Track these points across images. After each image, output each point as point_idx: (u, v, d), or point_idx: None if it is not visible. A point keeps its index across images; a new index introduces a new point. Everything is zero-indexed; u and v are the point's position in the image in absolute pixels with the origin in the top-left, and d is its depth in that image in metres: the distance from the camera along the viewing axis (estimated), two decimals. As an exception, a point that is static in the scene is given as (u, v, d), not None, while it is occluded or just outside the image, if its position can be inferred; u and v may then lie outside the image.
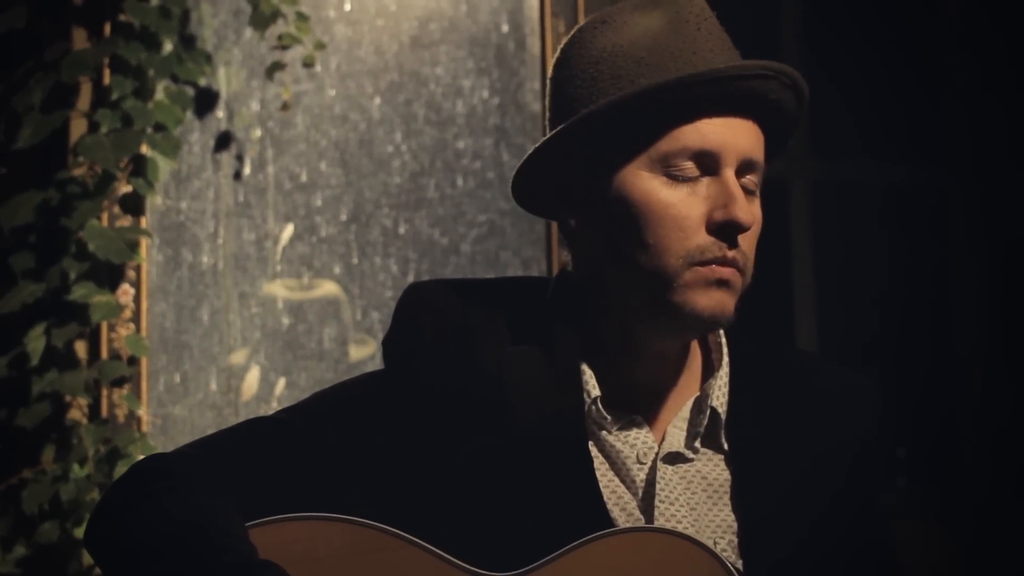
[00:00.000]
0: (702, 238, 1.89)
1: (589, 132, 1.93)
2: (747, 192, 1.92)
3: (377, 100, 4.13)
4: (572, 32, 2.00)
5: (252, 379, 3.92)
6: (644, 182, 1.90)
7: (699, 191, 1.90)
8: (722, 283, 1.90)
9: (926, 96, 5.19)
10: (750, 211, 1.90)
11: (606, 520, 1.94)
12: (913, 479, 5.07)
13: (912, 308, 5.19)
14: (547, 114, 2.02)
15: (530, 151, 1.97)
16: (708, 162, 1.90)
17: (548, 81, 2.01)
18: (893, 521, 2.12)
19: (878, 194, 5.27)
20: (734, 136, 1.90)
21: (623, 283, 1.94)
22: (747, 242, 1.92)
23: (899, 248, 5.27)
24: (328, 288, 4.03)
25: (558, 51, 2.00)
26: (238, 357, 3.94)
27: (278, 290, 4.00)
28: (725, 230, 1.89)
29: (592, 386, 1.97)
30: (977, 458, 4.97)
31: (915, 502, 4.91)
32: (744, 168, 1.91)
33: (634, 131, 1.91)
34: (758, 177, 1.94)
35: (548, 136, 1.95)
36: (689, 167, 1.89)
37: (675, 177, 1.89)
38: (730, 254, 1.89)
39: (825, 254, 5.06)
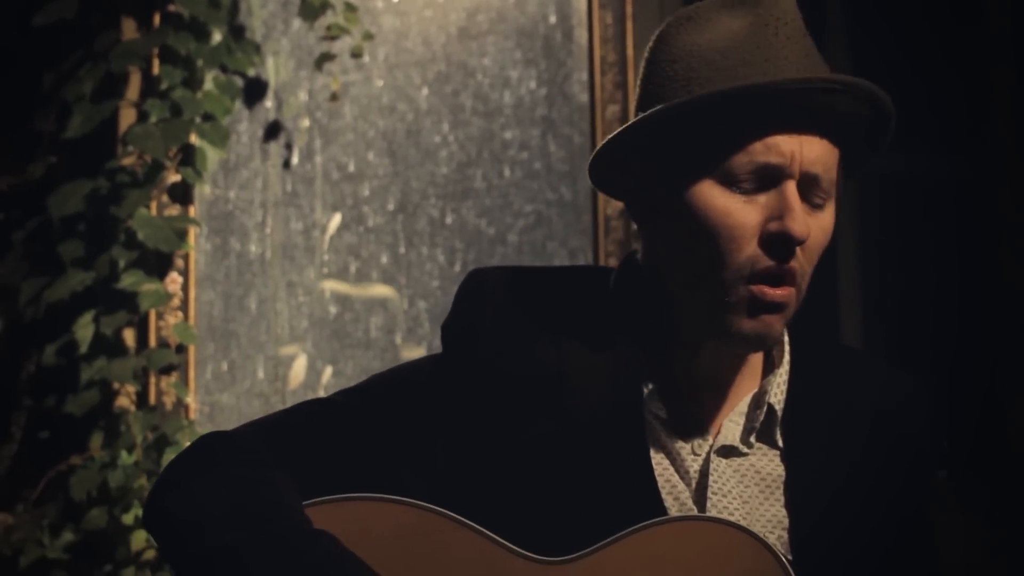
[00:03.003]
0: (754, 249, 1.87)
1: (651, 133, 1.92)
2: (813, 206, 1.90)
3: (425, 91, 4.14)
4: (662, 25, 1.98)
5: (299, 367, 3.93)
6: (704, 189, 1.88)
7: (758, 200, 1.88)
8: (774, 306, 1.89)
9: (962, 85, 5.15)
10: (806, 224, 1.86)
11: (660, 509, 1.93)
12: (954, 471, 5.04)
13: (962, 297, 5.16)
14: (635, 104, 2.00)
15: (602, 143, 1.96)
16: (770, 175, 1.87)
17: (639, 75, 2.00)
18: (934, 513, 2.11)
19: (920, 186, 5.24)
20: (801, 151, 1.87)
21: (683, 288, 1.93)
22: (807, 255, 1.90)
23: (937, 240, 5.23)
24: (379, 290, 4.03)
25: (650, 42, 1.99)
26: (288, 350, 3.95)
27: (328, 285, 4.00)
28: (778, 242, 1.87)
29: (650, 377, 1.97)
30: (1020, 450, 4.94)
31: (955, 494, 4.89)
32: (809, 182, 1.88)
33: (695, 138, 1.89)
34: (826, 190, 1.90)
35: (619, 129, 1.94)
36: (751, 178, 1.87)
37: (735, 187, 1.88)
38: (786, 266, 1.87)
39: (869, 247, 5.03)
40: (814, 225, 1.89)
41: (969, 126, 5.11)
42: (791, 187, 1.87)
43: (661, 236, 1.96)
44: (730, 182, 1.87)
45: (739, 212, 1.87)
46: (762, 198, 1.88)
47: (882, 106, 1.91)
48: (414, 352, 3.99)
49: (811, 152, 1.87)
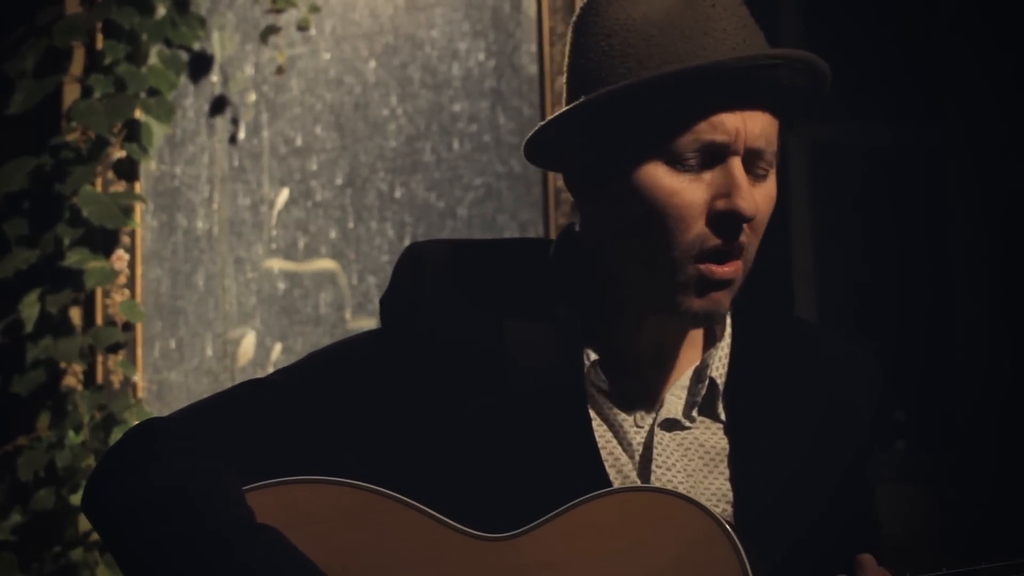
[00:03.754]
0: (702, 228, 1.86)
1: (593, 116, 1.90)
2: (757, 177, 1.89)
3: (372, 63, 4.11)
4: None
5: (248, 345, 3.92)
6: (650, 169, 1.87)
7: (703, 179, 1.86)
8: (722, 283, 1.88)
9: (913, 56, 5.16)
10: (754, 201, 1.85)
11: (604, 481, 1.93)
12: (912, 443, 5.07)
13: (913, 271, 5.18)
14: (565, 76, 1.98)
15: (542, 123, 1.94)
16: (715, 152, 1.86)
17: (567, 43, 1.98)
18: (890, 484, 2.11)
19: (864, 156, 5.25)
20: (745, 127, 1.85)
21: (624, 264, 1.92)
22: (754, 229, 1.89)
23: (897, 211, 5.25)
24: (323, 264, 4.01)
25: (576, 13, 1.96)
26: (236, 333, 3.93)
27: (275, 264, 3.98)
28: (727, 220, 1.86)
29: (591, 349, 1.96)
30: (977, 422, 4.96)
31: (912, 466, 4.91)
32: (753, 156, 1.87)
33: (639, 119, 1.87)
34: (769, 161, 1.89)
35: (559, 112, 1.92)
36: (696, 156, 1.86)
37: (681, 166, 1.86)
38: (734, 243, 1.86)
39: (823, 220, 5.04)
40: (759, 196, 1.88)
41: (916, 95, 5.13)
42: (737, 164, 1.86)
43: (604, 213, 1.95)
44: (675, 161, 1.86)
45: (686, 191, 1.86)
46: (707, 176, 1.86)
47: (821, 76, 1.90)
48: (364, 327, 3.97)
49: (754, 127, 1.86)
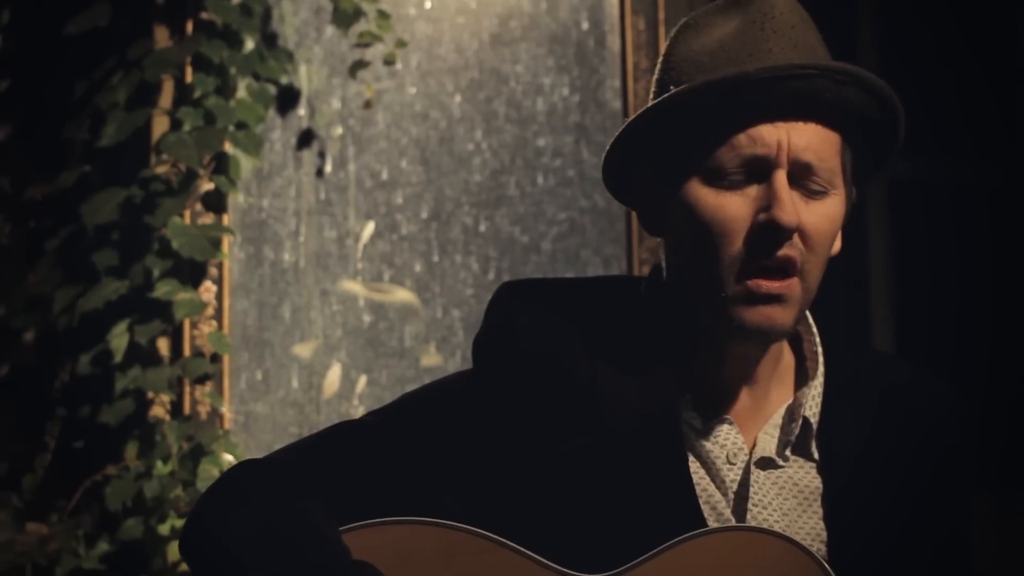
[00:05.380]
0: (746, 242, 1.86)
1: (641, 139, 1.92)
2: (811, 193, 1.88)
3: (458, 98, 4.13)
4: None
5: (333, 377, 3.93)
6: (694, 187, 1.89)
7: (748, 194, 1.87)
8: (771, 298, 1.87)
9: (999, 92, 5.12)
10: (795, 212, 1.85)
11: (699, 519, 1.93)
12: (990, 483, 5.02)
13: (994, 307, 5.13)
14: None
15: (604, 152, 1.97)
16: (758, 167, 1.86)
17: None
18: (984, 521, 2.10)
19: (951, 193, 5.22)
20: (788, 139, 1.86)
21: (689, 291, 1.93)
22: (809, 244, 1.88)
23: (977, 248, 5.20)
24: (402, 295, 4.03)
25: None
26: (304, 350, 3.94)
27: (356, 289, 4.00)
28: (767, 232, 1.86)
29: (684, 385, 1.96)
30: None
31: (992, 505, 4.87)
32: (801, 170, 1.87)
33: (680, 137, 1.89)
34: (824, 178, 1.89)
35: (612, 141, 1.94)
36: (739, 172, 1.86)
37: (725, 184, 1.87)
38: (780, 255, 1.86)
39: (903, 255, 5.01)
40: (812, 213, 1.88)
41: (998, 133, 5.09)
42: (780, 176, 1.86)
43: (670, 240, 1.97)
44: (719, 177, 1.87)
45: (729, 206, 1.87)
46: (752, 191, 1.87)
47: (872, 89, 1.90)
48: (447, 362, 3.98)
49: (800, 139, 1.86)
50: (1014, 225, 5.14)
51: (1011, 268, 5.15)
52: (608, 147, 1.95)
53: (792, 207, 1.85)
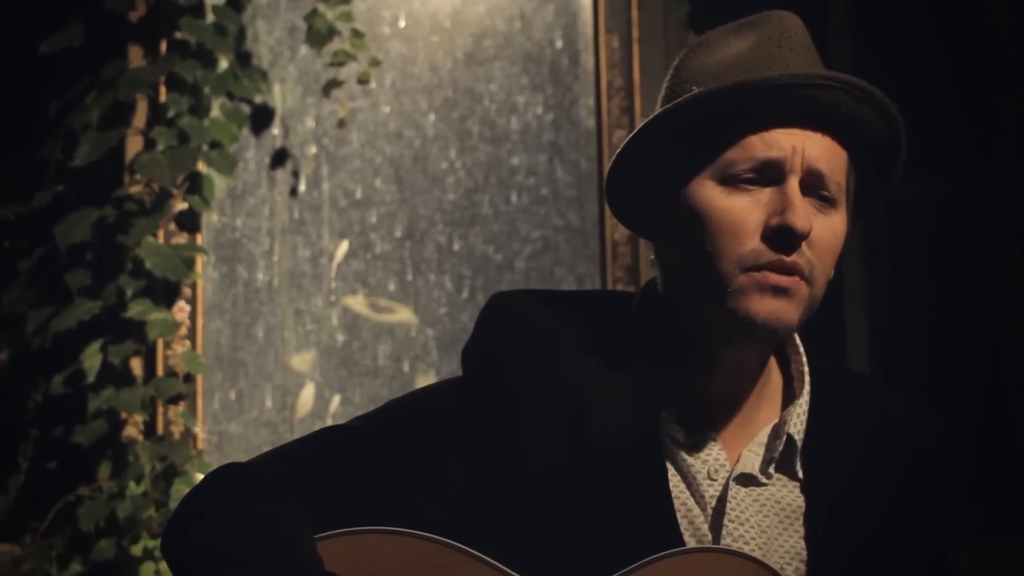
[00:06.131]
0: (756, 243, 1.87)
1: (652, 146, 1.93)
2: (820, 200, 1.90)
3: (431, 117, 4.13)
4: (680, 54, 2.01)
5: (307, 396, 3.92)
6: (707, 189, 1.90)
7: (760, 199, 1.88)
8: (779, 290, 1.87)
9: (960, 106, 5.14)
10: (808, 218, 1.86)
11: (675, 533, 1.92)
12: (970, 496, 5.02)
13: (965, 321, 5.14)
14: None
15: (613, 156, 1.97)
16: (772, 171, 1.88)
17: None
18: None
19: (915, 207, 5.22)
20: (802, 146, 1.88)
21: (691, 292, 1.93)
22: (816, 253, 1.90)
23: (946, 263, 5.21)
24: (404, 314, 4.03)
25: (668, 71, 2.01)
26: (302, 363, 3.94)
27: (358, 306, 4.00)
28: (780, 236, 1.87)
29: (668, 399, 1.96)
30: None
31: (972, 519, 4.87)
32: (814, 179, 1.89)
33: (694, 142, 1.91)
34: (832, 190, 1.91)
35: (622, 145, 1.95)
36: (752, 176, 1.88)
37: (737, 185, 1.88)
38: (788, 260, 1.87)
39: (876, 270, 5.02)
40: (820, 225, 1.90)
41: (975, 149, 5.10)
42: (793, 182, 1.88)
43: (672, 248, 1.97)
44: (732, 180, 1.89)
45: (741, 209, 1.88)
46: (765, 196, 1.89)
47: (885, 110, 1.92)
48: (423, 380, 3.97)
49: (814, 148, 1.89)
50: (987, 240, 5.15)
51: (987, 280, 5.16)
52: (621, 147, 1.95)
53: (805, 212, 1.86)
